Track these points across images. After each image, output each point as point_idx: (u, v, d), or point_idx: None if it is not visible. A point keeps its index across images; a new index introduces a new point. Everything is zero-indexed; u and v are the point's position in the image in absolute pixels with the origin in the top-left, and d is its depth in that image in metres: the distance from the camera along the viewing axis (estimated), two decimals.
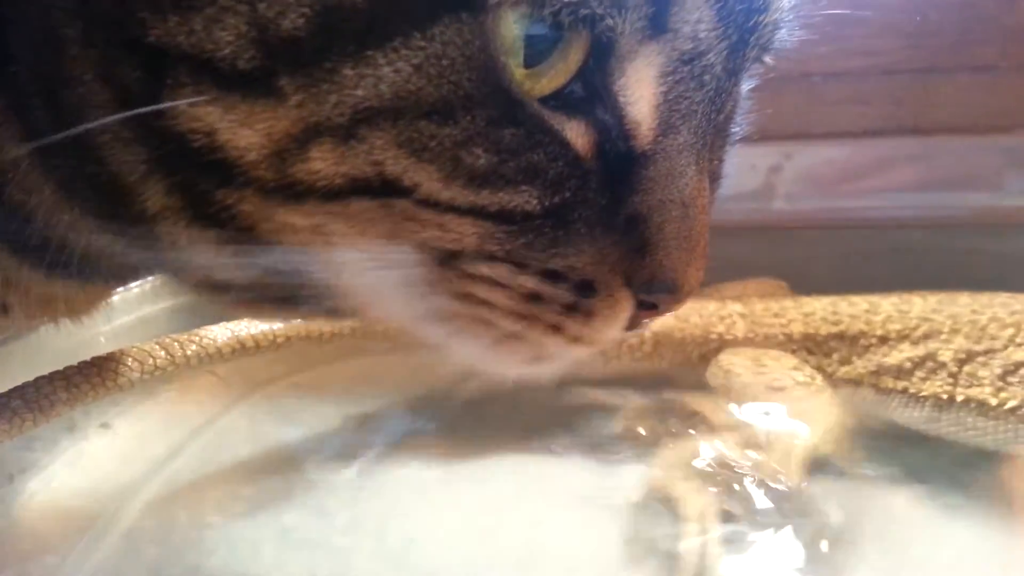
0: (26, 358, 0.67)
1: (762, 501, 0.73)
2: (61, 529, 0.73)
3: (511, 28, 0.34)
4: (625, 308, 0.41)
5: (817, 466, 0.76)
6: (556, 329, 0.41)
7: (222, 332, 0.81)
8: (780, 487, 0.73)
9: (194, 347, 0.79)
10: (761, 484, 0.75)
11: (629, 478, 0.77)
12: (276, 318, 0.43)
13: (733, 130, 0.48)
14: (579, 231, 0.39)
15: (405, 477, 0.81)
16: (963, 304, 0.84)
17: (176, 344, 0.78)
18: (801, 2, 0.43)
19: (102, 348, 0.72)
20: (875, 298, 0.89)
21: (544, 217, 0.38)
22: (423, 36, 0.33)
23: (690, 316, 0.92)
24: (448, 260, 0.39)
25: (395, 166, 0.35)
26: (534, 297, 0.40)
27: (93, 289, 0.55)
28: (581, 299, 0.40)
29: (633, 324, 0.43)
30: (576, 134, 0.37)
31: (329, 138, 0.35)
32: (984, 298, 0.84)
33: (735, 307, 0.93)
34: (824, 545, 0.68)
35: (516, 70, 0.35)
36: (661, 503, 0.74)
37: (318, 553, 0.71)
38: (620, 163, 0.39)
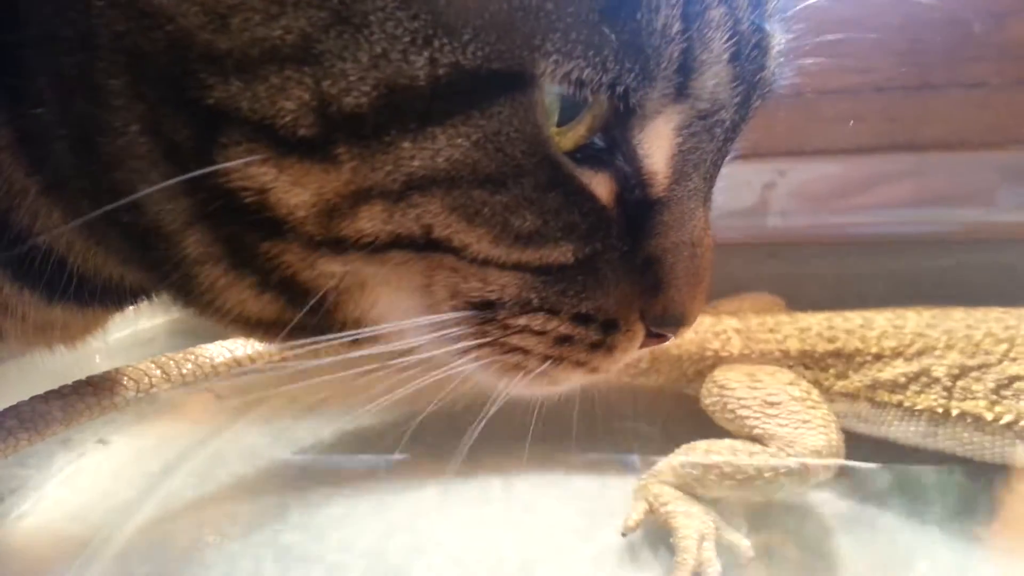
0: (22, 377, 0.67)
1: (755, 520, 0.73)
2: (55, 549, 0.73)
3: (550, 95, 0.36)
4: (640, 339, 0.45)
5: (809, 482, 0.76)
6: (581, 364, 0.44)
7: (218, 350, 0.81)
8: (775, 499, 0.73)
9: (190, 365, 0.78)
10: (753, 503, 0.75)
11: (625, 496, 0.77)
12: (306, 352, 0.44)
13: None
14: (605, 276, 0.41)
15: (402, 494, 0.81)
16: (957, 319, 0.84)
17: (172, 363, 0.77)
18: (795, 46, 0.45)
19: (97, 367, 0.72)
20: (870, 314, 0.89)
21: (577, 267, 0.40)
22: (482, 114, 0.35)
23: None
24: (484, 308, 0.41)
25: (445, 229, 0.37)
26: (565, 339, 0.43)
27: (91, 314, 0.55)
28: (606, 337, 0.43)
29: (640, 349, 0.46)
30: (601, 187, 0.40)
31: (380, 200, 0.36)
32: (978, 313, 0.85)
33: (731, 323, 0.93)
34: (817, 561, 0.68)
35: (551, 129, 0.37)
36: (657, 521, 0.74)
37: (315, 571, 0.71)
38: (638, 210, 0.41)
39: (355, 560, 0.72)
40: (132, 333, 0.93)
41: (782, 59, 0.44)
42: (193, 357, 0.79)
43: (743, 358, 0.89)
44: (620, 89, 0.36)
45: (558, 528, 0.77)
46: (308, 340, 0.42)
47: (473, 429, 0.49)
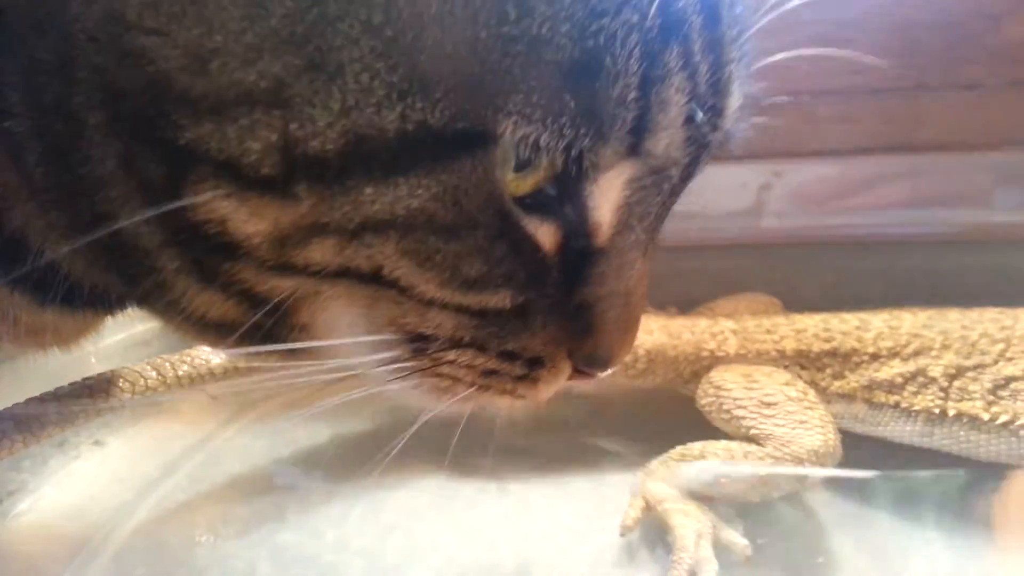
0: (17, 379, 0.67)
1: (752, 519, 0.73)
2: (51, 550, 0.73)
3: (508, 149, 0.37)
4: (564, 375, 0.46)
5: (807, 482, 0.76)
6: (505, 392, 0.46)
7: (214, 353, 0.81)
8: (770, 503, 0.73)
9: (185, 367, 0.79)
10: (750, 503, 0.75)
11: (622, 497, 0.77)
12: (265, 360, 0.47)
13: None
14: (536, 320, 0.43)
15: (398, 496, 0.81)
16: (953, 320, 0.84)
17: (167, 365, 0.77)
18: (754, 95, 0.46)
19: (93, 369, 0.72)
20: (866, 315, 0.89)
21: (511, 311, 0.42)
22: (444, 169, 0.36)
23: (682, 333, 0.92)
24: (420, 342, 0.43)
25: (395, 270, 0.39)
26: (491, 372, 0.44)
27: (83, 318, 0.55)
28: (530, 371, 0.45)
29: (567, 382, 0.48)
30: (546, 236, 0.41)
31: (334, 236, 0.37)
32: (974, 313, 0.85)
33: (727, 324, 0.93)
34: (814, 560, 0.69)
35: (507, 175, 0.38)
36: (654, 522, 0.74)
37: (311, 571, 0.71)
38: (579, 259, 0.42)
39: (351, 560, 0.72)
40: (127, 336, 0.93)
41: (739, 117, 0.44)
42: (189, 359, 0.79)
43: (739, 358, 0.89)
44: (574, 152, 0.37)
45: (555, 528, 0.77)
46: (253, 349, 0.44)
47: (401, 439, 0.50)
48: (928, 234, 1.18)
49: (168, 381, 0.76)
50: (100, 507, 0.77)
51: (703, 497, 0.75)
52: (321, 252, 0.38)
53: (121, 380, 0.72)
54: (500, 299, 0.41)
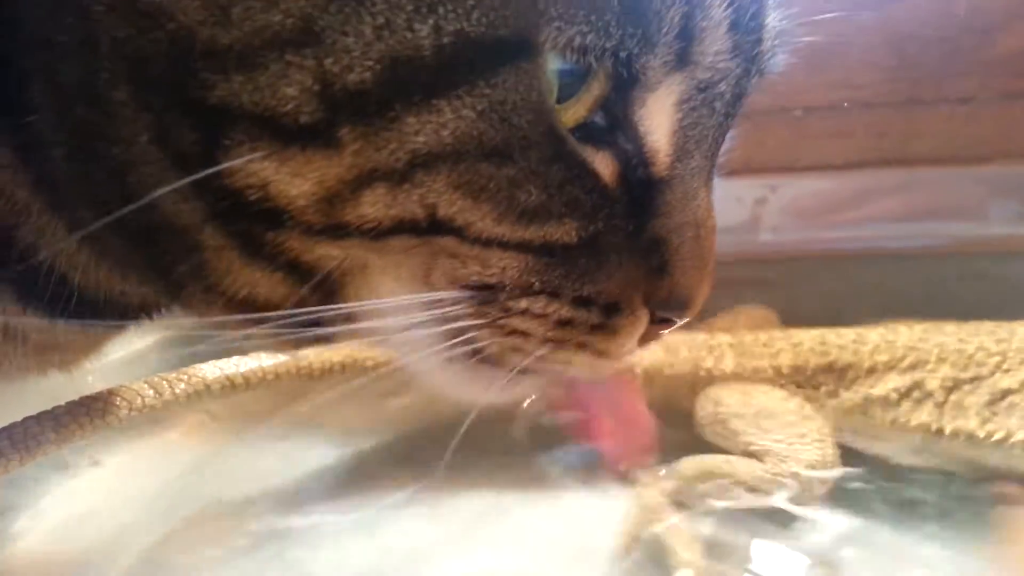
0: (14, 397, 0.67)
1: (750, 532, 0.73)
2: (50, 572, 0.72)
3: (551, 67, 0.36)
4: (643, 323, 0.43)
5: (804, 496, 0.76)
6: (583, 346, 0.43)
7: (212, 370, 0.81)
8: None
9: (183, 385, 0.78)
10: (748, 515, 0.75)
11: (620, 511, 0.76)
12: (309, 346, 0.44)
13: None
14: (608, 258, 0.40)
15: (399, 513, 0.80)
16: (949, 333, 0.84)
17: (165, 383, 0.77)
18: (789, 28, 0.45)
19: (90, 387, 0.72)
20: (862, 329, 0.89)
21: (579, 247, 0.39)
22: (487, 84, 0.34)
23: (679, 349, 0.92)
24: (484, 294, 0.40)
25: (449, 208, 0.37)
26: (566, 322, 0.41)
27: (92, 335, 0.55)
28: (608, 320, 0.42)
29: (647, 338, 0.45)
30: (604, 165, 0.39)
31: (383, 183, 0.36)
32: (970, 327, 0.85)
33: (724, 338, 0.94)
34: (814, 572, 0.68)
35: (552, 100, 0.36)
36: (651, 539, 0.74)
37: None
38: (641, 190, 0.40)
39: None
40: (125, 353, 0.93)
41: (778, 39, 0.43)
42: (186, 377, 0.79)
43: (736, 374, 0.89)
44: (623, 55, 0.35)
45: (553, 544, 0.77)
46: (306, 311, 0.41)
47: (456, 437, 0.48)
48: (923, 247, 1.18)
49: (166, 399, 0.76)
50: (98, 527, 0.76)
51: (702, 512, 0.75)
52: (372, 204, 0.36)
53: (119, 398, 0.72)
54: (565, 232, 0.39)
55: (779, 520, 0.76)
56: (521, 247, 0.39)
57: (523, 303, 0.40)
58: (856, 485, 0.78)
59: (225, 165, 0.35)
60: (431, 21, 0.33)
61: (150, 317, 0.52)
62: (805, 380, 0.87)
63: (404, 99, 0.34)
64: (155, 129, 0.36)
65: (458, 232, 0.37)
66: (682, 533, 0.72)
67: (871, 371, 0.84)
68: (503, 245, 0.38)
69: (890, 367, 0.84)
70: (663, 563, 0.71)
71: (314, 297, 0.40)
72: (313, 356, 0.86)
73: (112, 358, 0.90)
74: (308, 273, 0.39)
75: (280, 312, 0.40)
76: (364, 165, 0.35)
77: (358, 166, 0.35)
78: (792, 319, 0.98)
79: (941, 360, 0.82)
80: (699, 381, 0.90)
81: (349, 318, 0.42)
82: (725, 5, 0.37)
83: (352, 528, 0.78)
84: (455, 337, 0.41)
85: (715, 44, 0.38)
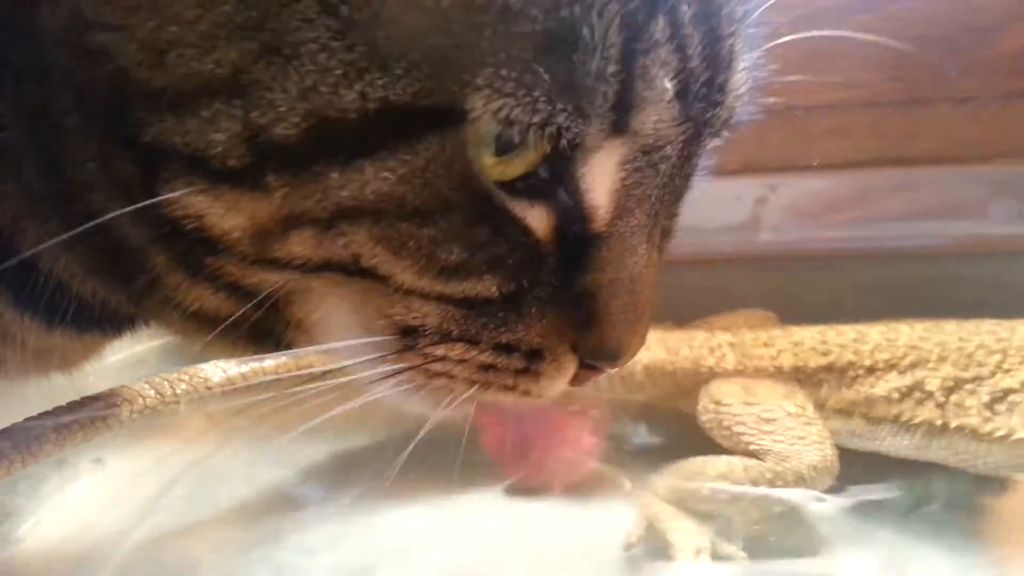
0: (15, 399, 0.67)
1: (751, 533, 0.73)
2: (51, 570, 0.72)
3: (486, 129, 0.35)
4: (569, 369, 0.44)
5: (806, 496, 0.76)
6: (509, 388, 0.44)
7: (213, 371, 0.81)
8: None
9: (184, 386, 0.78)
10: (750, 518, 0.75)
11: (626, 513, 0.76)
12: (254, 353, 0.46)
13: (690, 185, 0.49)
14: (531, 310, 0.41)
15: (396, 515, 0.80)
16: (950, 332, 0.85)
17: (166, 383, 0.77)
18: (758, 85, 0.45)
19: (91, 388, 0.72)
20: (863, 327, 0.89)
21: (501, 301, 0.40)
22: (409, 150, 0.35)
23: (680, 348, 0.92)
24: (410, 337, 0.41)
25: (372, 259, 0.37)
26: (488, 367, 0.42)
27: (90, 340, 0.55)
28: (530, 365, 0.43)
29: (577, 380, 0.45)
30: (538, 220, 0.39)
31: (310, 227, 0.37)
32: (970, 325, 0.85)
33: (724, 337, 0.94)
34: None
35: (488, 159, 0.37)
36: (654, 539, 0.74)
37: None
38: (576, 244, 0.41)
39: None
40: (126, 355, 0.93)
41: (742, 99, 0.43)
42: (187, 377, 0.79)
43: (737, 373, 0.89)
44: (551, 129, 0.35)
45: (558, 545, 0.77)
46: (259, 346, 0.44)
47: (404, 453, 0.49)
48: (923, 247, 1.18)
49: (167, 399, 0.76)
50: (100, 526, 0.77)
51: (703, 513, 0.75)
52: (301, 245, 0.37)
53: (120, 399, 0.72)
54: (485, 287, 0.39)
55: (780, 520, 0.76)
56: (441, 299, 0.40)
57: (440, 350, 0.41)
58: (857, 485, 0.78)
59: (162, 197, 0.36)
60: (357, 87, 0.34)
61: (146, 324, 0.53)
62: (806, 378, 0.87)
63: (328, 156, 0.35)
64: (100, 158, 0.37)
65: (380, 280, 0.38)
66: (682, 535, 0.72)
67: (872, 370, 0.84)
68: (424, 296, 0.39)
69: (891, 366, 0.84)
70: (666, 562, 0.71)
71: (261, 312, 0.41)
72: (314, 357, 0.86)
73: (113, 359, 0.91)
74: (250, 294, 0.40)
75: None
76: (292, 209, 0.36)
77: (286, 209, 0.36)
78: (793, 318, 0.98)
79: (942, 359, 0.82)
80: (700, 380, 0.90)
81: (300, 331, 0.43)
82: (671, 77, 0.37)
83: (350, 528, 0.78)
84: (383, 380, 0.43)
85: (656, 114, 0.38)
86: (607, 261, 0.41)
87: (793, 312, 1.01)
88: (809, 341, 0.89)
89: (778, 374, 0.88)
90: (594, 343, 0.43)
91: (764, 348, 0.90)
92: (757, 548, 0.72)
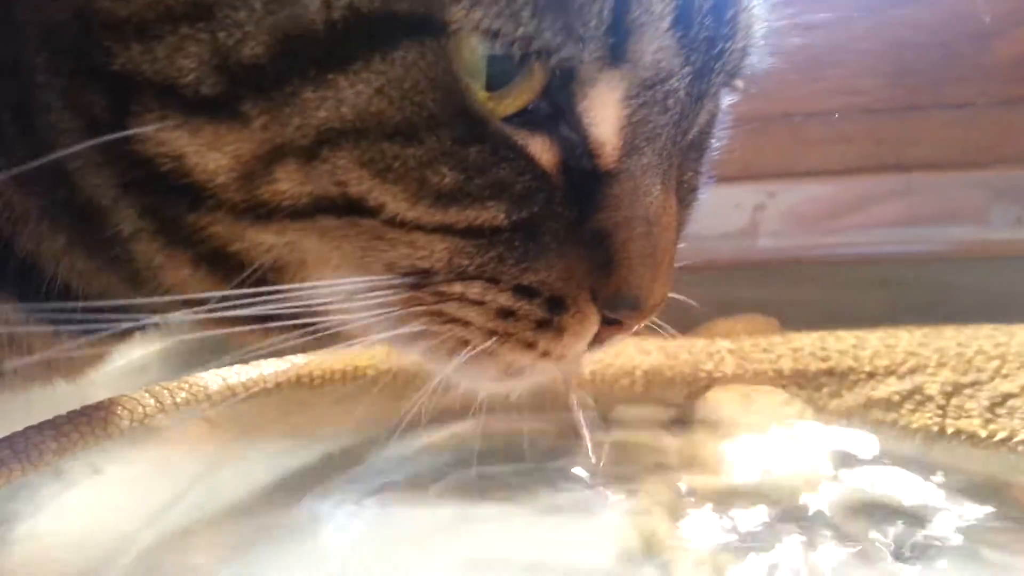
0: (15, 407, 0.67)
1: (750, 539, 0.73)
2: None
3: (473, 52, 0.35)
4: (593, 323, 0.42)
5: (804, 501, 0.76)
6: (529, 345, 0.41)
7: (212, 379, 0.81)
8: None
9: (184, 394, 0.78)
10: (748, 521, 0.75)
11: (622, 520, 0.76)
12: (250, 340, 0.43)
13: (711, 142, 0.49)
14: (548, 245, 0.39)
15: (399, 520, 0.80)
16: (949, 337, 0.85)
17: (166, 392, 0.77)
18: (773, 30, 0.44)
19: (92, 396, 0.72)
20: (862, 333, 0.89)
21: (512, 231, 0.38)
22: (384, 60, 0.34)
23: (679, 354, 0.92)
24: (421, 278, 0.39)
25: (359, 186, 0.36)
26: (507, 313, 0.40)
27: (97, 345, 0.54)
28: (552, 315, 0.41)
29: (599, 340, 0.43)
30: (541, 149, 0.38)
31: (293, 159, 0.35)
32: (969, 331, 0.85)
33: (724, 344, 0.94)
34: None
35: (479, 92, 0.36)
36: (653, 546, 0.74)
37: None
38: (586, 180, 0.39)
39: None
40: (126, 363, 0.93)
41: (753, 38, 0.42)
42: (187, 385, 0.79)
43: (736, 378, 0.89)
44: (539, 44, 0.34)
45: (553, 552, 0.77)
46: (253, 328, 0.41)
47: (415, 403, 0.46)
48: (922, 252, 1.18)
49: (166, 408, 0.76)
50: (99, 534, 0.76)
51: (700, 518, 0.75)
52: (287, 180, 0.35)
53: (119, 408, 0.72)
54: (491, 215, 0.37)
55: (779, 526, 0.76)
56: (444, 230, 0.37)
57: (457, 287, 0.39)
58: (857, 488, 0.78)
59: (135, 131, 0.35)
60: None
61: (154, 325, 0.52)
62: (806, 382, 0.87)
63: (300, 74, 0.34)
64: (67, 93, 0.36)
65: (374, 213, 0.37)
66: (682, 540, 0.72)
67: (871, 376, 0.84)
68: (424, 228, 0.37)
69: (890, 372, 0.84)
70: (663, 567, 0.71)
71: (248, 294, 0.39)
72: (314, 365, 0.86)
73: (114, 367, 0.91)
74: (238, 266, 0.38)
75: (225, 294, 0.39)
76: (273, 140, 0.35)
77: (267, 141, 0.35)
78: (792, 325, 0.98)
79: (941, 364, 0.82)
80: (699, 385, 0.90)
81: (299, 311, 0.40)
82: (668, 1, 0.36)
83: (350, 533, 0.78)
84: (398, 326, 0.41)
85: (655, 41, 0.36)
86: (619, 199, 0.40)
87: (792, 318, 1.01)
88: (809, 347, 0.89)
89: (778, 379, 0.88)
90: (614, 288, 0.40)
91: (763, 353, 0.90)
92: (756, 558, 0.72)
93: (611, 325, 0.43)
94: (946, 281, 1.11)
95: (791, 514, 0.76)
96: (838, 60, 1.12)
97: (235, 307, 0.39)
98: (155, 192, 0.37)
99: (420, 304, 0.40)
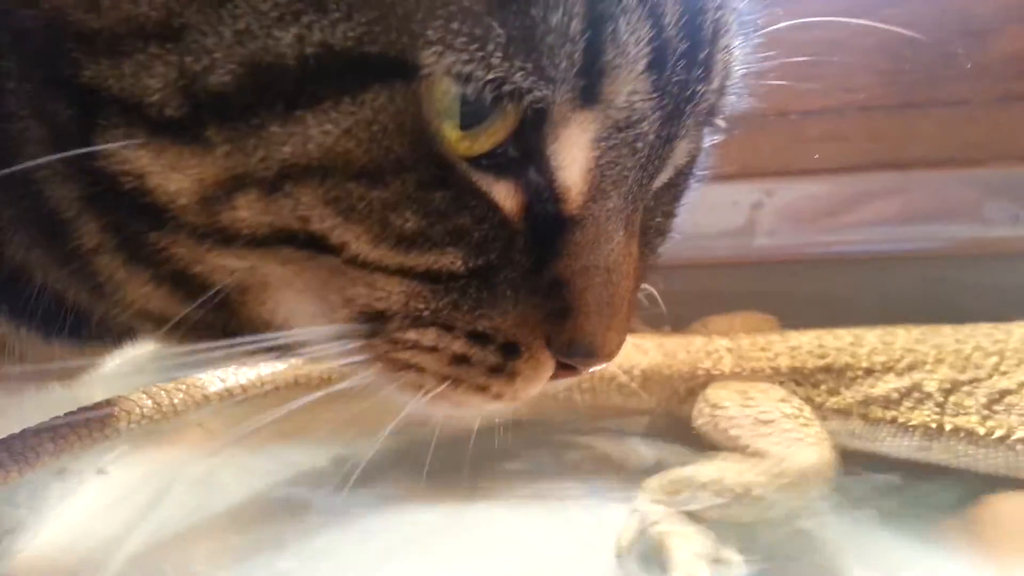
0: (12, 408, 0.66)
1: (750, 539, 0.73)
2: None
3: (445, 93, 0.34)
4: (546, 368, 0.42)
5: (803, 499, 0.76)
6: (481, 388, 0.41)
7: (210, 380, 0.80)
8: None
9: (182, 396, 0.78)
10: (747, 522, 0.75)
11: (618, 518, 0.76)
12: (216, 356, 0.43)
13: (691, 183, 0.48)
14: (504, 292, 0.39)
15: (397, 521, 0.80)
16: (946, 335, 0.85)
17: (163, 393, 0.77)
18: (753, 71, 0.43)
19: (89, 397, 0.71)
20: (860, 331, 0.89)
21: (469, 277, 0.38)
22: (353, 101, 0.33)
23: (677, 352, 0.92)
24: (376, 325, 0.39)
25: (321, 224, 0.35)
26: (461, 359, 0.40)
27: (89, 351, 0.54)
28: (505, 361, 0.40)
29: (552, 378, 0.43)
30: (505, 195, 0.38)
31: (255, 189, 0.35)
32: (967, 328, 0.85)
33: (722, 342, 0.94)
34: None
35: (452, 132, 0.35)
36: (651, 543, 0.74)
37: None
38: (548, 226, 0.39)
39: None
40: (122, 364, 0.93)
41: (732, 79, 0.41)
42: (185, 387, 0.79)
43: (735, 376, 0.89)
44: (509, 88, 0.33)
45: (551, 550, 0.77)
46: (209, 344, 0.40)
47: (374, 444, 0.48)
48: (919, 250, 1.19)
49: (164, 409, 0.76)
50: (102, 535, 0.76)
51: (699, 517, 0.75)
52: (247, 209, 0.35)
53: (117, 409, 0.72)
54: (449, 260, 0.37)
55: (777, 523, 0.76)
56: (402, 273, 0.37)
57: (411, 334, 0.39)
58: (855, 487, 0.78)
59: (100, 147, 0.34)
60: (294, 30, 0.32)
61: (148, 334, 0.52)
62: (804, 379, 0.87)
63: (268, 107, 0.33)
64: (35, 101, 0.36)
65: (335, 251, 0.36)
66: (679, 539, 0.72)
67: (869, 373, 0.84)
68: (384, 269, 0.37)
69: (888, 369, 0.84)
70: (659, 568, 0.71)
71: (210, 315, 0.39)
72: (312, 367, 0.86)
73: (111, 368, 0.90)
74: (200, 287, 0.38)
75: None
76: (234, 169, 0.34)
77: (229, 169, 0.34)
78: (789, 323, 0.98)
79: (939, 362, 0.82)
80: (697, 384, 0.90)
81: (259, 330, 0.40)
82: (643, 42, 0.35)
83: (349, 535, 0.78)
84: (357, 371, 0.41)
85: (628, 84, 0.36)
86: (581, 246, 0.39)
87: (789, 316, 1.01)
88: (806, 345, 0.89)
89: (775, 376, 0.88)
90: (568, 336, 0.40)
91: (761, 351, 0.90)
92: (756, 551, 0.72)
93: (565, 369, 0.42)
94: (943, 278, 1.12)
95: (791, 514, 0.76)
96: (834, 58, 1.12)
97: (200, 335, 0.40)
98: (117, 209, 0.36)
99: (375, 351, 0.40)
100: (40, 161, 0.35)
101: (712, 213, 1.16)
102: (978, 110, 1.17)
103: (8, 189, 0.38)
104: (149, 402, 0.75)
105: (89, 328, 0.48)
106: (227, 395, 0.81)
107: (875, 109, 1.19)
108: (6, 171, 0.36)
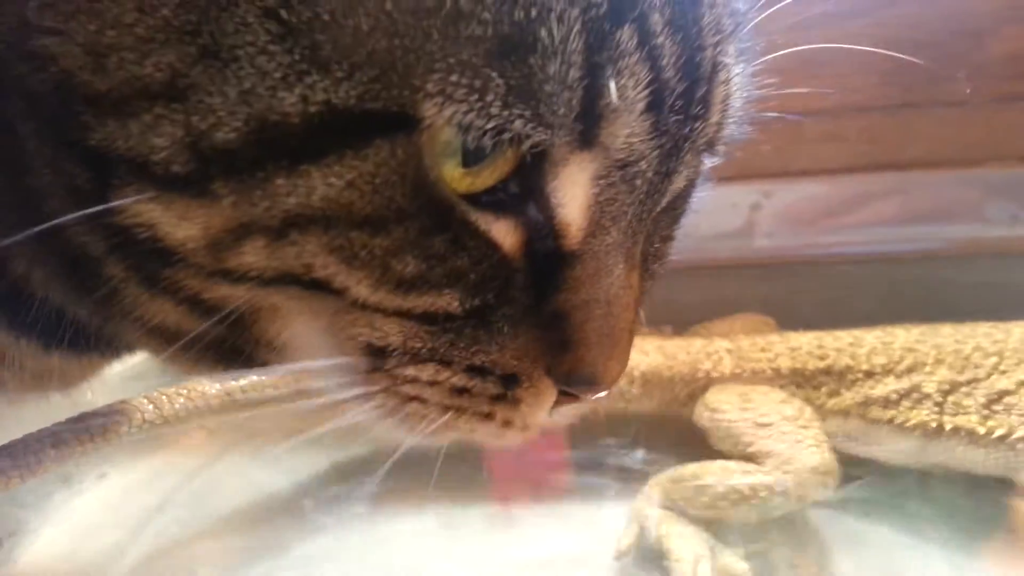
0: (14, 413, 0.67)
1: (752, 540, 0.73)
2: None
3: (447, 141, 0.35)
4: (549, 396, 0.42)
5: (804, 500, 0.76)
6: (486, 416, 0.42)
7: (211, 385, 0.80)
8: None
9: (183, 400, 0.78)
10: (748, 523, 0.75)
11: (619, 520, 0.76)
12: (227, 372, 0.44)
13: (688, 205, 0.48)
14: (501, 329, 0.39)
15: (399, 525, 0.80)
16: (946, 335, 0.85)
17: (164, 398, 0.77)
18: (752, 100, 0.44)
19: (90, 403, 0.72)
20: (859, 332, 0.89)
21: (466, 317, 0.39)
22: (356, 155, 0.34)
23: (678, 354, 0.92)
24: (376, 360, 0.40)
25: (325, 270, 0.36)
26: (462, 391, 0.41)
27: (88, 362, 0.54)
28: (506, 390, 0.41)
29: (556, 411, 0.44)
30: (504, 233, 0.38)
31: (262, 236, 0.35)
32: (966, 328, 0.85)
33: (722, 343, 0.94)
34: None
35: (453, 170, 0.35)
36: (652, 545, 0.74)
37: None
38: (548, 262, 0.39)
39: None
40: (124, 370, 0.93)
41: (730, 113, 0.41)
42: (186, 392, 0.79)
43: (735, 378, 0.89)
44: (508, 135, 0.34)
45: (551, 553, 0.77)
46: (230, 365, 0.42)
47: (382, 470, 0.47)
48: (918, 250, 1.19)
49: (165, 414, 0.76)
50: (102, 541, 0.76)
51: (699, 518, 0.75)
52: (253, 255, 0.36)
53: (119, 415, 0.72)
54: (446, 302, 0.38)
55: (777, 525, 0.76)
56: (401, 315, 0.38)
57: (410, 371, 0.40)
58: (855, 488, 0.79)
59: (113, 204, 0.35)
60: (298, 90, 0.33)
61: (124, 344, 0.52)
62: (804, 381, 0.87)
63: (273, 161, 0.34)
64: (54, 163, 0.37)
65: (338, 294, 0.37)
66: (680, 541, 0.72)
67: (869, 374, 0.85)
68: (383, 311, 0.38)
69: (887, 370, 0.84)
70: (660, 571, 0.71)
71: (225, 329, 0.39)
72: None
73: (111, 374, 0.90)
74: (213, 309, 0.39)
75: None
76: (241, 218, 0.35)
77: (236, 218, 0.35)
78: (789, 324, 0.98)
79: (938, 362, 0.82)
80: (698, 385, 0.90)
81: (270, 350, 0.42)
82: (641, 86, 0.35)
83: (350, 540, 0.78)
84: (357, 403, 0.41)
85: (627, 127, 0.36)
86: (580, 281, 0.40)
87: (789, 318, 1.01)
88: (806, 346, 0.89)
89: (776, 378, 0.88)
90: (568, 368, 0.41)
91: (761, 353, 0.90)
92: (755, 556, 0.72)
93: (567, 397, 0.43)
94: (942, 279, 1.12)
95: (790, 515, 0.76)
96: (832, 59, 1.12)
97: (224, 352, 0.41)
98: (135, 253, 0.37)
99: (377, 384, 0.41)
100: (59, 221, 0.36)
101: (711, 215, 1.16)
102: (975, 111, 1.17)
103: (37, 237, 0.39)
104: (150, 407, 0.75)
105: (88, 340, 0.48)
106: (228, 400, 0.81)
107: (873, 110, 1.20)
108: (31, 231, 0.37)
